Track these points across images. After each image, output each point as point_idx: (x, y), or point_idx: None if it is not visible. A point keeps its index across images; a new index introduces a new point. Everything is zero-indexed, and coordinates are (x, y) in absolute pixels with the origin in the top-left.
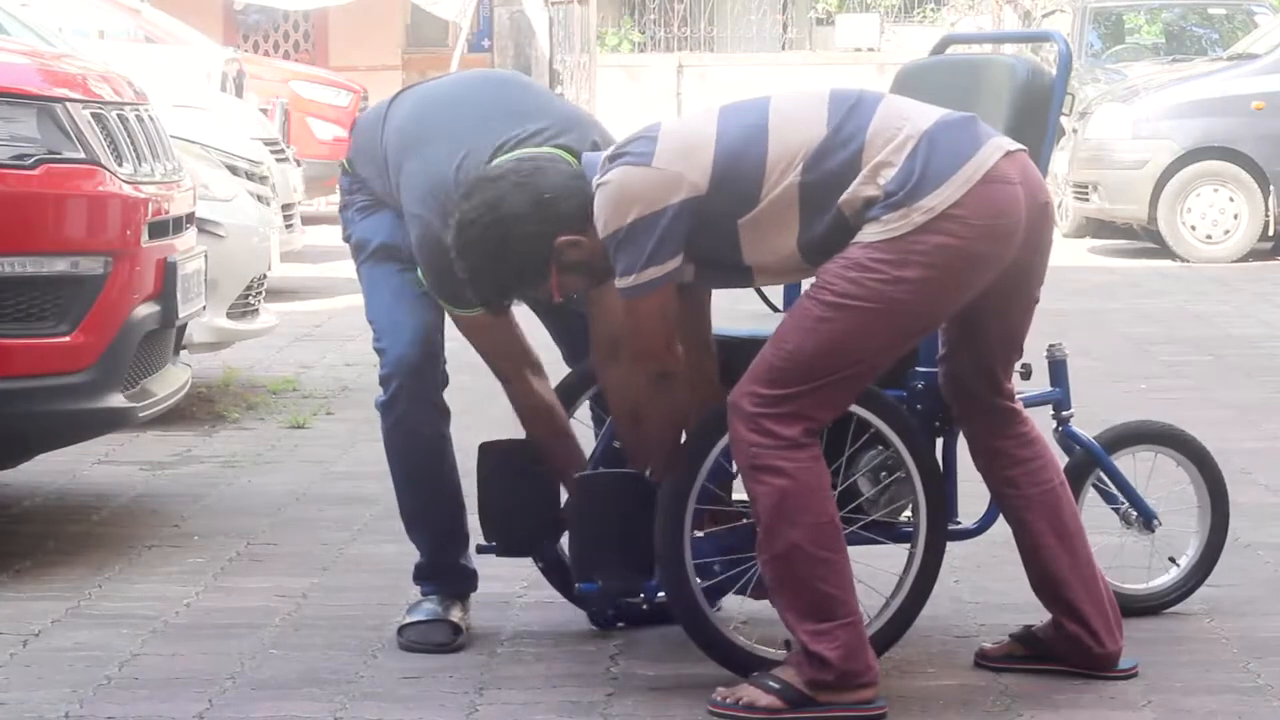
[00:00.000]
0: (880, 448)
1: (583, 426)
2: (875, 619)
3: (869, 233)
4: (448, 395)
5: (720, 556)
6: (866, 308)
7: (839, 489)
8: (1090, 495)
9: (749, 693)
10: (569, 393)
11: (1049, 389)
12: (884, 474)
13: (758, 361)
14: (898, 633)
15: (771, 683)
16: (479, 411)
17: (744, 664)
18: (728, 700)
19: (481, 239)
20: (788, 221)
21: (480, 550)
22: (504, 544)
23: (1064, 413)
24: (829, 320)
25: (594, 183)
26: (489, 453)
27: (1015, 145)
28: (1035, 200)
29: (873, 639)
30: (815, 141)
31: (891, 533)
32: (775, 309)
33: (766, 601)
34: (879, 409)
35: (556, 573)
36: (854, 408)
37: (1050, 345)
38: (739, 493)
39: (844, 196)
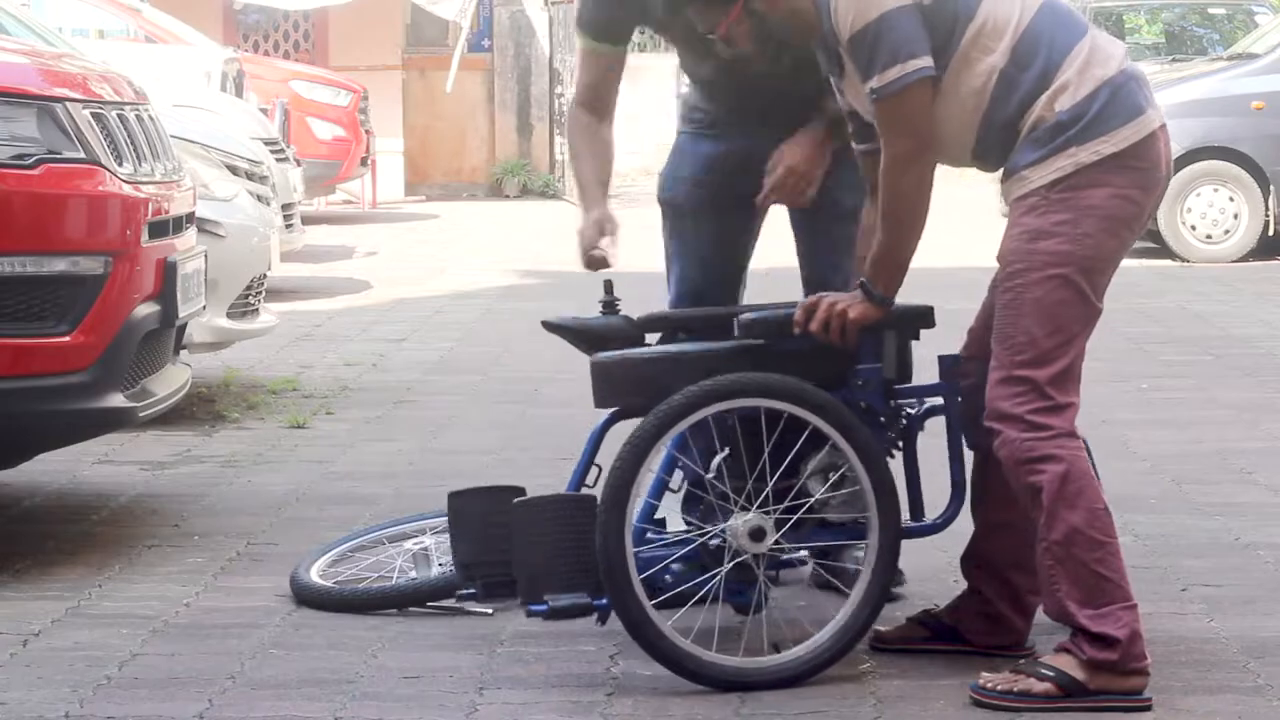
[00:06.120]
0: (827, 447)
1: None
2: (836, 618)
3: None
4: (443, 401)
5: (668, 566)
6: (1061, 272)
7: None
8: None
9: (1021, 681)
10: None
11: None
12: (831, 473)
13: (996, 364)
14: (860, 632)
15: (1045, 670)
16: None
17: (695, 671)
18: (997, 688)
19: None
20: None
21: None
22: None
23: None
24: (1040, 296)
25: None
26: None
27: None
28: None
29: (835, 637)
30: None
31: (848, 532)
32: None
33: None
34: (819, 409)
35: None
36: (794, 408)
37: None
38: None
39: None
